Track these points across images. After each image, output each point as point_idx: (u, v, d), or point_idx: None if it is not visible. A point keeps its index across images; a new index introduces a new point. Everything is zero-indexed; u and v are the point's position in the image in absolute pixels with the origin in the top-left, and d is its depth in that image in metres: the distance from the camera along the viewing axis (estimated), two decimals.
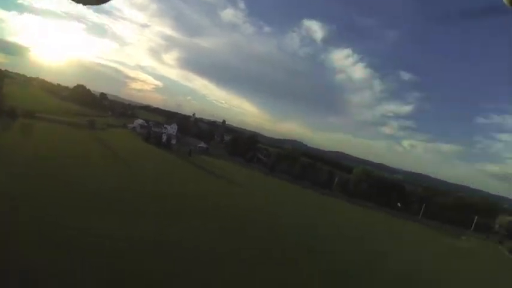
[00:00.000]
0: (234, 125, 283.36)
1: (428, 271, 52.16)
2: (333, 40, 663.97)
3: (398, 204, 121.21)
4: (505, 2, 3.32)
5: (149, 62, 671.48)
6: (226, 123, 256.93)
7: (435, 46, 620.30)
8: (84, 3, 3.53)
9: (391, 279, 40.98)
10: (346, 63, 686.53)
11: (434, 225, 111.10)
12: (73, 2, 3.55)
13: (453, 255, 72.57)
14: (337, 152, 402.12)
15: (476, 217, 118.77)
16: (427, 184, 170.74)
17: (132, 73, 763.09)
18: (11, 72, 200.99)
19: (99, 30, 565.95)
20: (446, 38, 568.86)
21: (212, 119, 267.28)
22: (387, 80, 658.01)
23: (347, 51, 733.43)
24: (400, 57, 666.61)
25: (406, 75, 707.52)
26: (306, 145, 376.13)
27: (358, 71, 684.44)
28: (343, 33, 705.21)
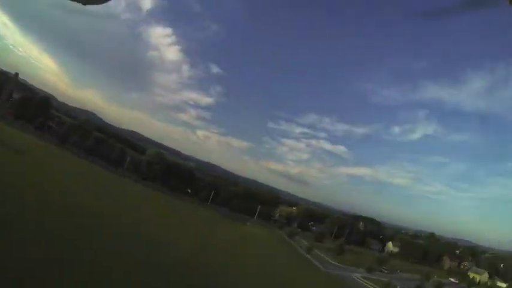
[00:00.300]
0: (29, 81, 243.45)
1: (218, 251, 63.34)
2: (158, 15, 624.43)
3: (188, 190, 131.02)
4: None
5: None
6: (20, 77, 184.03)
7: (249, 49, 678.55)
8: (84, 3, 3.45)
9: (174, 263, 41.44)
10: (163, 42, 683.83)
11: (223, 212, 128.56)
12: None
13: (242, 238, 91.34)
14: (133, 131, 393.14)
15: (259, 206, 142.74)
16: (217, 174, 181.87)
17: None
18: None
19: None
20: (262, 43, 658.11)
21: (4, 68, 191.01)
22: (196, 69, 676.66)
23: (167, 31, 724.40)
24: (214, 50, 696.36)
25: (215, 68, 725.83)
26: (102, 119, 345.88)
27: (172, 53, 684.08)
28: (169, 12, 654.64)
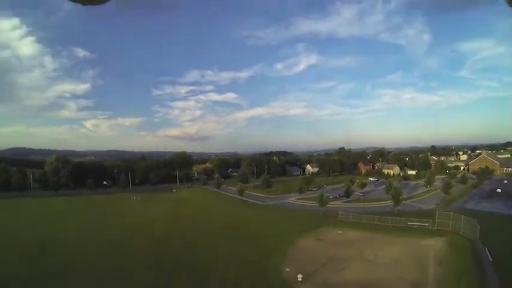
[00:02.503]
0: None
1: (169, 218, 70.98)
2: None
3: (104, 182, 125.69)
4: (505, 2, 2.99)
5: None
6: None
7: (110, 20, 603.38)
8: (84, 3, 3.16)
9: None
10: (13, 36, 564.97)
11: (147, 189, 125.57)
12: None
13: (179, 202, 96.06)
14: (15, 147, 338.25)
15: (177, 171, 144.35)
16: (122, 158, 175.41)
17: None
18: None
19: None
20: (124, 12, 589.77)
21: None
22: (61, 57, 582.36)
23: (14, 22, 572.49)
24: (74, 33, 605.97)
25: (81, 52, 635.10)
26: None
27: (27, 47, 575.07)
28: None
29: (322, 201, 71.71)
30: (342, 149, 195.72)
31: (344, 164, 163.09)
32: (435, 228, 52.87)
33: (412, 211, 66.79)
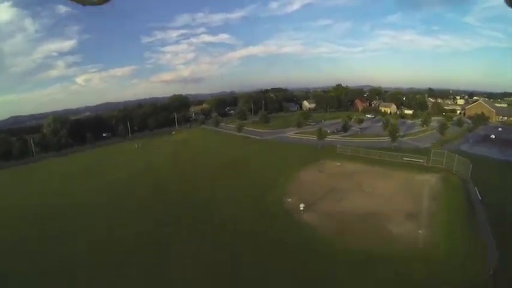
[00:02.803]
0: None
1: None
2: None
3: (104, 134, 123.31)
4: (505, 2, 3.20)
5: None
6: None
7: None
8: (84, 3, 3.39)
9: None
10: None
11: (147, 134, 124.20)
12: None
13: (177, 144, 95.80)
14: (10, 117, 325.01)
15: (175, 114, 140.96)
16: (117, 108, 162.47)
17: None
18: None
19: None
20: None
21: None
22: (41, 17, 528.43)
23: None
24: None
25: (62, 8, 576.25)
26: None
27: (3, 13, 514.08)
28: None
29: (321, 134, 72.48)
30: (339, 86, 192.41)
31: (341, 100, 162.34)
32: (430, 165, 54.44)
33: (408, 148, 68.14)
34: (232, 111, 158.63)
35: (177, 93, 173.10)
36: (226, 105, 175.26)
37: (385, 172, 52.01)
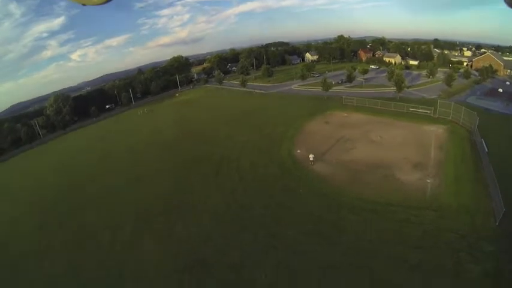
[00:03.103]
0: None
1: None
2: None
3: (107, 106, 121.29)
4: (504, 2, 3.24)
5: None
6: None
7: None
8: (84, 3, 3.39)
9: None
10: None
11: (152, 99, 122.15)
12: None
13: (182, 105, 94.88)
14: (12, 105, 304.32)
15: (176, 76, 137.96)
16: (116, 79, 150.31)
17: None
18: None
19: None
20: None
21: None
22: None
23: None
24: None
25: None
26: None
27: None
28: None
29: (326, 85, 71.03)
30: (341, 37, 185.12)
31: (344, 51, 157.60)
32: (436, 116, 53.75)
33: (414, 99, 67.05)
34: (234, 68, 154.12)
35: (176, 55, 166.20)
36: (227, 62, 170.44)
37: (392, 122, 51.54)
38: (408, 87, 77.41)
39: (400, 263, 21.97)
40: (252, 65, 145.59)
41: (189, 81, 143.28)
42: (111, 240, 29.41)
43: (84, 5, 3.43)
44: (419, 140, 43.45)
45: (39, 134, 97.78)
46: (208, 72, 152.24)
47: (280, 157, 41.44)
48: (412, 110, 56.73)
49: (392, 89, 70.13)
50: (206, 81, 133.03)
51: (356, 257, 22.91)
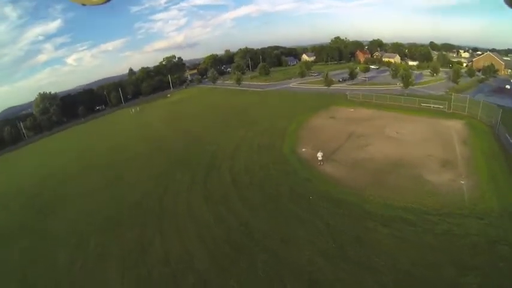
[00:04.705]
0: None
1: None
2: None
3: (98, 107, 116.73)
4: (504, 2, 3.02)
5: None
6: None
7: None
8: (84, 3, 3.22)
9: None
10: None
11: (144, 99, 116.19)
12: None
13: (173, 105, 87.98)
14: (7, 109, 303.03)
15: (168, 77, 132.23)
16: (110, 82, 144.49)
17: None
18: None
19: None
20: None
21: None
22: (21, 1, 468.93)
23: None
24: None
25: None
26: None
27: None
28: None
29: (328, 81, 65.18)
30: (337, 38, 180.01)
31: (342, 52, 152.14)
32: (451, 111, 47.92)
33: (423, 95, 61.26)
34: (229, 69, 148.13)
35: (169, 55, 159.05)
36: (222, 64, 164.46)
37: (405, 117, 45.31)
38: (413, 85, 71.93)
39: None
40: (248, 66, 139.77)
41: (182, 82, 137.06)
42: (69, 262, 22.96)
43: (84, 5, 3.13)
44: (440, 135, 37.26)
45: (24, 135, 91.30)
46: (202, 73, 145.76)
47: (282, 156, 34.88)
48: (424, 105, 50.86)
49: (398, 86, 64.61)
50: (200, 81, 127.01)
51: None
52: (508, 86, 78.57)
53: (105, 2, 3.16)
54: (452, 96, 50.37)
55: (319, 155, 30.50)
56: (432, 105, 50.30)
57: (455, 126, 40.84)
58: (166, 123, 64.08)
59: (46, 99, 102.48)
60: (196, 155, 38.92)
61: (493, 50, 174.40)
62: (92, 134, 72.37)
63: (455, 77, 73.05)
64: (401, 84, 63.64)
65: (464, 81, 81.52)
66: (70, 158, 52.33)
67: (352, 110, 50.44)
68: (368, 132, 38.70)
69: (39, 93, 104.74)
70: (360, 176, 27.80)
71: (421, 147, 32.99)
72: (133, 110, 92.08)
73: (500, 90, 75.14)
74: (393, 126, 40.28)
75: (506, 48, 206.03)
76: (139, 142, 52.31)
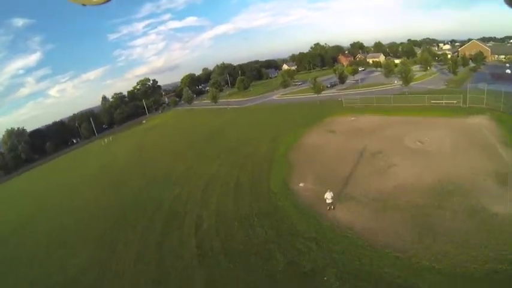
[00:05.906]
0: None
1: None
2: None
3: (74, 140, 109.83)
4: (504, 2, 3.00)
5: None
6: None
7: None
8: (84, 3, 3.18)
9: None
10: None
11: (117, 130, 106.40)
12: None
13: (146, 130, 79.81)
14: None
15: (143, 101, 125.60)
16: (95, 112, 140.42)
17: None
18: None
19: None
20: None
21: None
22: None
23: None
24: (7, 3, 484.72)
25: (19, 21, 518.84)
26: None
27: None
28: None
29: (317, 88, 57.01)
30: (317, 45, 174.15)
31: (324, 58, 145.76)
32: (467, 106, 39.89)
33: (425, 91, 53.37)
34: (207, 88, 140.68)
35: (143, 78, 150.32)
36: (200, 83, 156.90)
37: (420, 120, 36.62)
38: (413, 81, 64.81)
39: None
40: (227, 82, 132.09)
41: (158, 106, 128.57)
42: None
43: (84, 5, 3.10)
44: (472, 138, 28.54)
45: None
46: (179, 95, 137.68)
47: (271, 199, 23.88)
48: (434, 102, 42.82)
49: (397, 83, 57.48)
50: (176, 104, 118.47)
51: None
52: (508, 71, 72.57)
53: (105, 2, 3.06)
54: (468, 88, 42.54)
55: (328, 196, 20.20)
56: (444, 101, 42.28)
57: (482, 124, 32.52)
58: (132, 155, 54.85)
59: (13, 135, 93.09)
60: (157, 201, 28.97)
61: (469, 40, 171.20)
62: (54, 172, 63.43)
63: (454, 67, 66.28)
64: (400, 82, 55.90)
65: (460, 70, 75.17)
66: (18, 209, 42.02)
67: (353, 118, 41.68)
68: (383, 146, 29.19)
69: (6, 130, 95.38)
70: (396, 221, 17.86)
71: (458, 159, 24.13)
72: (106, 141, 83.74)
73: (502, 76, 68.84)
74: (411, 135, 31.21)
75: (482, 36, 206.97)
76: (95, 183, 42.94)
